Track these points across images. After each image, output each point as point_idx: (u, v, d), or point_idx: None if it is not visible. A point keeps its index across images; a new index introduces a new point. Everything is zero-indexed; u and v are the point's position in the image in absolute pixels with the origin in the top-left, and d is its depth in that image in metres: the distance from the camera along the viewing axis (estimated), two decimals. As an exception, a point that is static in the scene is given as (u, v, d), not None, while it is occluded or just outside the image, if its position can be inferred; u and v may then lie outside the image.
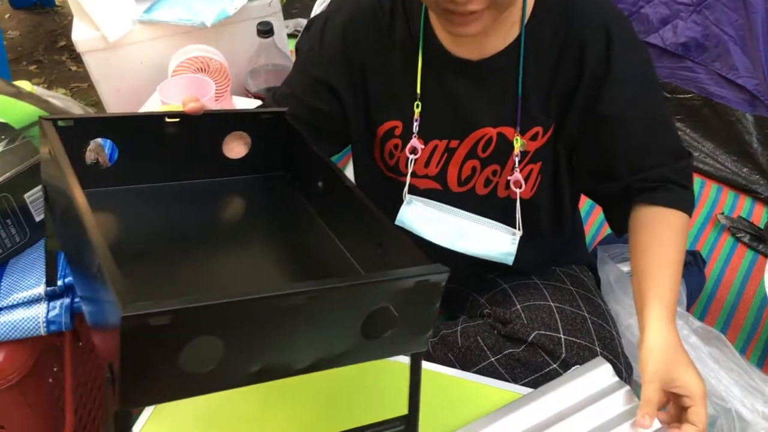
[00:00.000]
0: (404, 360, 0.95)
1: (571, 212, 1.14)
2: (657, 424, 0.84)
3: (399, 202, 1.06)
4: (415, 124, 1.02)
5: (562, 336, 1.02)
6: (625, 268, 1.46)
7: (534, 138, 1.00)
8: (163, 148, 0.88)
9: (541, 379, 1.01)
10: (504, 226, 1.04)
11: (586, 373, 0.90)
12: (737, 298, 1.74)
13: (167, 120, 0.87)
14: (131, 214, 0.86)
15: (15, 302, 1.03)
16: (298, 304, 0.56)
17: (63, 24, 3.05)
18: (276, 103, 1.08)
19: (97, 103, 2.35)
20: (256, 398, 0.89)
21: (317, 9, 1.79)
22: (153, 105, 1.57)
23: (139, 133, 0.86)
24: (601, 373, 0.90)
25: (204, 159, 0.92)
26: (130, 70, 1.71)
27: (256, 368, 0.57)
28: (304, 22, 2.60)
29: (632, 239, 0.98)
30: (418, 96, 1.01)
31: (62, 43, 2.93)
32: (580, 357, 1.01)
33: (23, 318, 1.03)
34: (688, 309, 1.54)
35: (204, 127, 0.90)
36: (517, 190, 1.01)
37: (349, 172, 1.11)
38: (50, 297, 1.05)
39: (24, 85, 1.32)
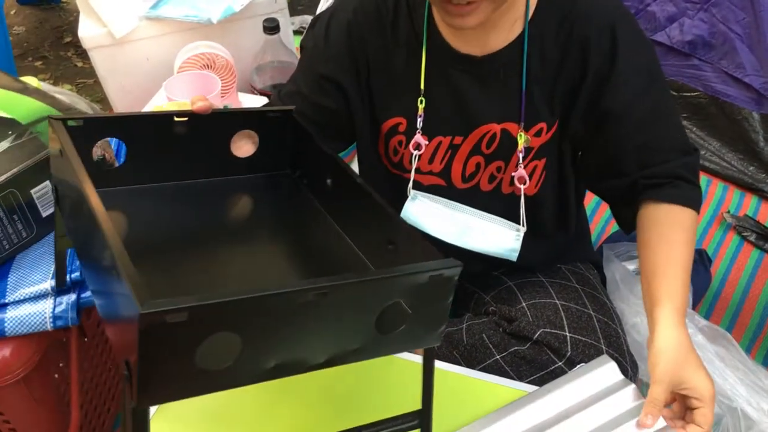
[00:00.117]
0: (408, 357, 0.96)
1: (576, 209, 1.14)
2: (661, 423, 0.83)
3: (404, 198, 1.06)
4: (419, 120, 1.02)
5: (567, 334, 1.02)
6: (630, 266, 1.46)
7: (538, 134, 1.00)
8: (172, 147, 0.89)
9: (547, 377, 1.01)
10: (508, 222, 1.04)
11: (592, 371, 0.90)
12: (743, 297, 1.73)
13: (176, 119, 0.87)
14: (140, 213, 0.86)
15: (22, 297, 1.04)
16: (315, 299, 0.56)
17: (69, 20, 3.05)
18: (281, 102, 1.08)
19: (103, 99, 2.35)
20: (263, 395, 0.89)
21: (322, 6, 1.79)
22: (159, 101, 1.57)
23: (147, 132, 0.87)
24: (606, 371, 0.90)
25: (212, 158, 0.93)
26: (136, 66, 1.71)
27: (272, 364, 0.58)
28: (309, 18, 2.60)
29: (640, 237, 0.97)
30: (422, 92, 1.01)
31: (68, 39, 2.94)
32: (585, 355, 1.01)
33: (30, 313, 1.03)
34: (693, 307, 1.54)
35: (212, 126, 0.90)
36: (522, 186, 1.01)
37: (354, 170, 1.11)
38: (57, 292, 1.05)
39: (30, 81, 1.32)
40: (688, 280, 0.91)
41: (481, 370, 1.04)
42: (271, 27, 1.62)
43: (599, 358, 0.92)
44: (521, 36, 0.95)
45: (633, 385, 0.87)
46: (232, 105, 1.58)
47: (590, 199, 2.01)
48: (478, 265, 1.13)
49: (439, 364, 0.96)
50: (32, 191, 1.06)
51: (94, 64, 1.71)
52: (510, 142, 1.00)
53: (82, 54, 2.79)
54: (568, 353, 1.01)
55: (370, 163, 1.13)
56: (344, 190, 0.84)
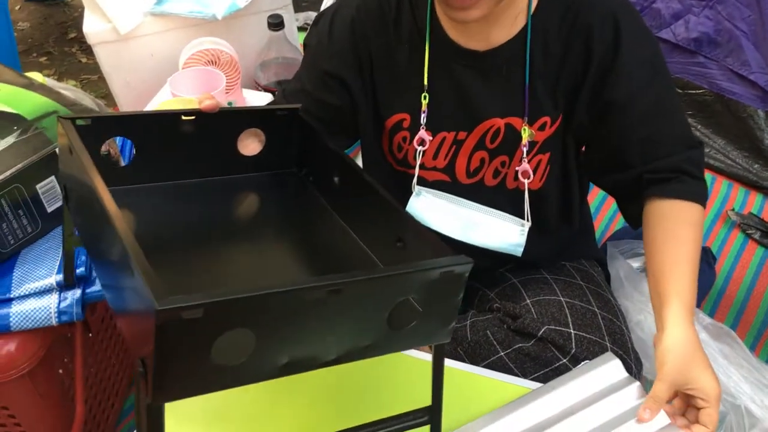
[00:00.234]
0: (414, 354, 0.96)
1: (580, 203, 1.14)
2: (665, 420, 0.83)
3: (408, 194, 1.06)
4: (423, 115, 1.02)
5: (572, 331, 1.02)
6: (635, 263, 1.46)
7: (542, 128, 1.00)
8: (179, 145, 0.89)
9: (551, 374, 1.01)
10: (513, 217, 1.04)
11: (596, 369, 0.90)
12: (747, 295, 1.73)
13: (183, 118, 0.87)
14: (147, 212, 0.86)
15: (27, 292, 1.04)
16: (328, 296, 0.57)
17: (73, 16, 3.05)
18: (286, 99, 1.08)
19: (107, 95, 2.35)
20: (269, 393, 0.89)
21: (326, 3, 1.79)
22: (163, 97, 1.57)
23: (155, 131, 0.87)
24: (610, 369, 0.90)
25: (219, 156, 0.93)
26: (140, 62, 1.71)
27: (285, 360, 0.58)
28: (314, 15, 2.60)
29: (647, 234, 0.97)
30: (426, 88, 1.01)
31: (72, 35, 2.94)
32: (590, 352, 1.00)
33: (35, 308, 1.04)
34: (698, 305, 1.53)
35: (219, 125, 0.90)
36: (525, 181, 1.01)
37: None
38: (62, 288, 1.05)
39: (35, 76, 1.32)
40: (695, 276, 0.91)
41: (485, 366, 1.04)
42: (276, 23, 1.62)
43: (603, 356, 0.92)
44: (524, 30, 0.95)
45: (637, 383, 0.87)
46: (237, 101, 1.58)
47: (594, 197, 2.00)
48: (483, 262, 1.12)
49: (443, 361, 0.96)
50: (37, 186, 1.06)
51: (98, 60, 1.71)
52: (514, 136, 1.00)
53: (87, 50, 2.79)
54: (573, 350, 1.01)
55: (374, 159, 1.13)
56: (351, 187, 0.84)
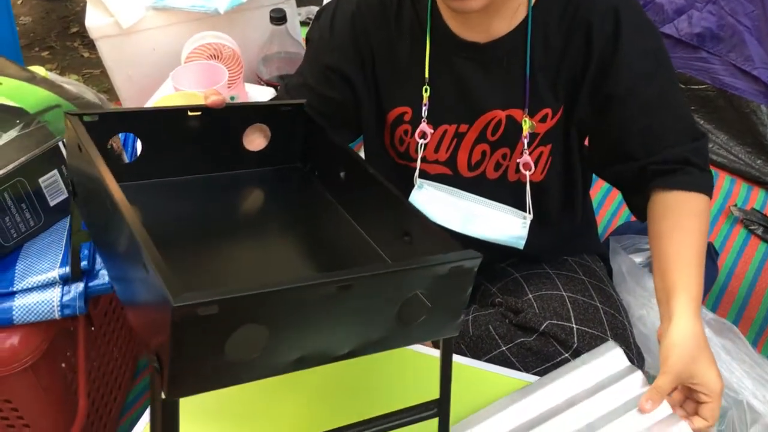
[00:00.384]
0: (418, 348, 0.96)
1: (583, 196, 1.14)
2: (668, 411, 0.83)
3: (410, 188, 1.06)
4: (424, 108, 1.02)
5: (574, 326, 1.02)
6: (637, 259, 1.46)
7: (543, 120, 1.00)
8: (185, 141, 0.89)
9: (553, 369, 1.00)
10: (514, 209, 1.04)
11: (598, 358, 0.89)
12: (750, 291, 1.73)
13: (189, 113, 0.87)
14: (153, 207, 0.87)
15: (30, 286, 1.04)
16: (340, 291, 0.57)
17: (75, 10, 3.05)
18: (288, 94, 1.08)
19: (110, 90, 2.35)
20: (272, 389, 0.89)
21: (329, -3, 1.78)
22: (166, 92, 1.57)
23: (161, 126, 0.88)
24: (612, 358, 0.89)
25: (224, 151, 0.93)
26: (143, 56, 1.71)
27: (297, 355, 0.59)
28: (316, 9, 2.59)
29: (652, 226, 0.96)
30: (427, 81, 1.01)
31: (74, 30, 2.94)
32: (591, 347, 1.00)
33: (38, 301, 1.04)
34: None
35: (225, 120, 0.90)
36: (527, 173, 1.01)
37: (363, 161, 1.11)
38: (64, 281, 1.06)
39: (38, 70, 1.32)
40: (702, 267, 0.90)
41: (487, 361, 1.04)
42: (278, 17, 1.61)
43: (605, 344, 0.92)
44: (524, 22, 0.96)
45: (639, 372, 0.87)
46: (239, 96, 1.58)
47: (597, 192, 2.00)
48: (485, 256, 1.12)
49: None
50: (40, 180, 1.06)
51: (100, 54, 1.71)
52: (515, 128, 1.00)
53: (89, 44, 2.79)
54: (575, 345, 1.01)
55: (375, 153, 1.14)
56: (357, 181, 0.85)
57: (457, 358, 0.96)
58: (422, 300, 0.63)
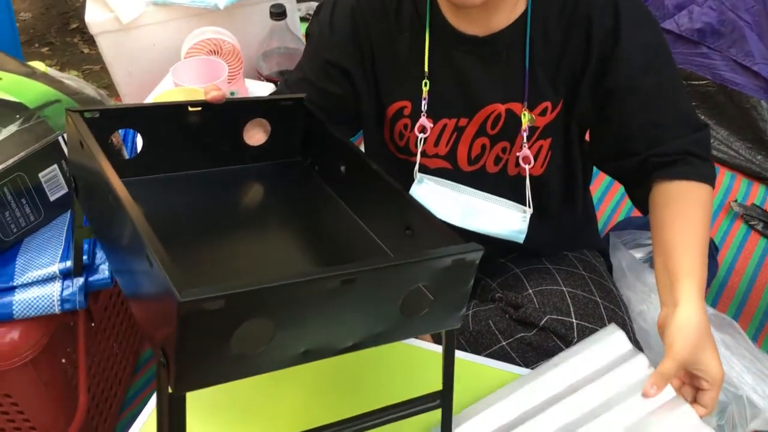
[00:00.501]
0: (412, 342, 0.96)
1: (583, 190, 1.13)
2: (672, 393, 0.83)
3: (410, 182, 1.06)
4: (424, 102, 1.02)
5: (574, 321, 1.02)
6: (637, 254, 1.46)
7: (543, 113, 1.00)
8: (185, 136, 0.89)
9: (553, 364, 1.01)
10: (514, 203, 1.04)
11: (601, 341, 0.89)
12: (750, 286, 1.73)
13: (190, 109, 0.87)
14: (155, 203, 0.87)
15: (30, 280, 1.04)
16: (344, 285, 0.57)
17: (75, 6, 3.05)
18: (289, 89, 1.09)
19: (110, 86, 2.35)
20: (274, 382, 0.89)
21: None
22: (166, 87, 1.57)
23: (162, 122, 0.88)
24: (615, 341, 0.88)
25: (224, 146, 0.93)
26: (142, 52, 1.71)
27: (302, 348, 0.59)
28: (315, 5, 2.59)
29: (654, 216, 0.96)
30: (426, 75, 1.01)
31: (74, 26, 2.94)
32: (592, 342, 1.01)
33: (38, 296, 1.04)
34: (700, 295, 1.53)
35: (225, 116, 0.91)
36: (527, 167, 1.01)
37: (364, 156, 1.11)
38: (64, 276, 1.06)
39: (37, 65, 1.32)
40: (706, 256, 0.89)
41: (487, 356, 1.04)
42: (278, 13, 1.61)
43: (607, 327, 0.91)
44: (524, 15, 0.96)
45: (642, 355, 0.86)
46: (239, 91, 1.57)
47: (597, 188, 2.00)
48: (485, 251, 1.13)
49: (445, 350, 0.96)
50: (40, 175, 1.06)
51: (100, 50, 1.71)
52: (514, 122, 1.00)
53: (89, 40, 2.79)
54: (575, 340, 1.01)
55: (376, 148, 1.14)
56: (358, 175, 0.85)
57: (457, 353, 0.96)
58: (425, 293, 0.63)
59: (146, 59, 1.72)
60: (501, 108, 1.00)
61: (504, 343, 1.07)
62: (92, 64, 2.69)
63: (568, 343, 1.01)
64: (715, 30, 1.95)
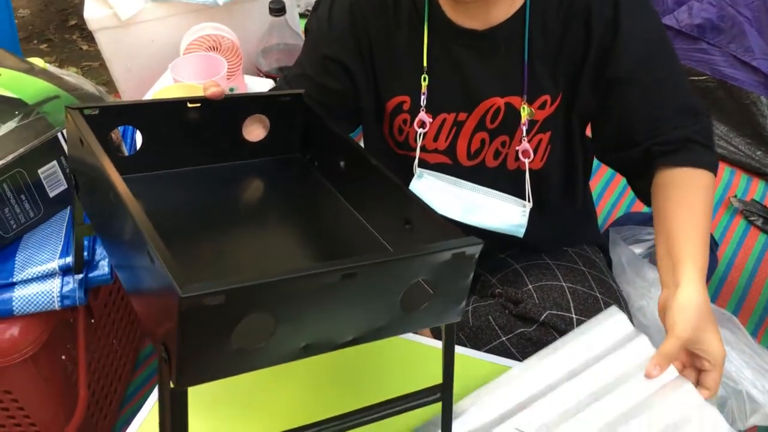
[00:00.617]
0: (415, 338, 0.96)
1: (583, 184, 1.13)
2: (674, 373, 0.82)
3: (410, 177, 1.06)
4: (423, 97, 1.02)
5: (573, 316, 1.02)
6: (637, 250, 1.46)
7: (542, 107, 1.00)
8: (185, 133, 0.89)
9: (553, 359, 1.01)
10: (514, 198, 1.04)
11: (602, 323, 0.88)
12: (749, 281, 1.74)
13: (189, 105, 0.88)
14: (153, 199, 0.87)
15: (29, 277, 1.04)
16: (344, 280, 0.58)
17: (74, 3, 3.04)
18: (288, 85, 1.09)
19: (109, 82, 2.35)
20: (271, 377, 0.89)
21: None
22: (165, 83, 1.57)
23: (161, 119, 0.88)
24: (616, 323, 0.88)
25: (224, 143, 0.93)
26: (141, 48, 1.71)
27: (303, 343, 0.60)
28: (314, 0, 2.59)
29: (656, 202, 0.96)
30: (425, 69, 1.01)
31: (73, 22, 2.93)
32: (591, 337, 1.01)
33: (38, 292, 1.04)
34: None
35: (224, 112, 0.91)
36: (526, 161, 1.01)
37: (363, 151, 1.11)
38: (64, 272, 1.06)
39: (36, 61, 1.32)
40: (707, 241, 0.89)
41: (486, 351, 1.04)
42: (277, 9, 1.61)
43: (608, 309, 0.91)
44: (523, 8, 0.96)
45: (644, 335, 0.86)
46: (238, 87, 1.57)
47: (597, 183, 2.00)
48: (485, 246, 1.13)
49: (444, 345, 0.96)
50: (39, 171, 1.06)
51: (99, 46, 1.71)
52: (514, 115, 1.00)
53: (88, 37, 2.78)
54: (575, 335, 1.01)
55: (375, 143, 1.14)
56: (357, 170, 0.85)
57: (456, 349, 0.96)
58: (425, 287, 0.63)
59: (145, 55, 1.71)
60: (500, 102, 1.00)
61: (504, 338, 1.07)
62: (91, 61, 2.69)
63: (568, 338, 1.01)
64: (714, 26, 1.95)
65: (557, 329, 1.02)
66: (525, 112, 0.99)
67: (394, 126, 1.08)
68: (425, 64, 1.01)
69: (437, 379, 0.71)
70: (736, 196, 1.94)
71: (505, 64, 0.98)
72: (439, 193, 1.05)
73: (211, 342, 0.54)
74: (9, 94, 1.12)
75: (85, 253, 1.07)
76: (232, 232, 0.84)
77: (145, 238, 0.57)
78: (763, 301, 1.68)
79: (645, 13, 0.95)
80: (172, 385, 0.56)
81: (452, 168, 1.07)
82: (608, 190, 1.98)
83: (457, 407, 0.81)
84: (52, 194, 1.09)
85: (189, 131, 0.89)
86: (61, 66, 2.63)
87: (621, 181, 2.00)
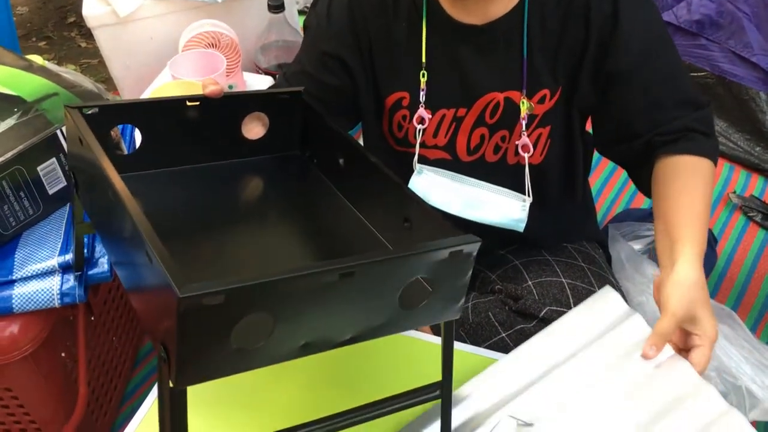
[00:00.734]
0: (415, 335, 0.96)
1: (582, 179, 1.13)
2: (670, 351, 0.83)
3: (410, 174, 1.06)
4: (422, 93, 1.02)
5: (573, 312, 1.02)
6: (636, 246, 1.46)
7: (541, 101, 1.00)
8: (184, 131, 0.89)
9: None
10: (514, 192, 1.04)
11: (597, 303, 0.89)
12: (748, 277, 1.74)
13: (188, 104, 0.88)
14: (154, 198, 0.87)
15: (29, 274, 1.04)
16: (342, 278, 0.58)
17: (72, 0, 3.04)
18: (287, 83, 1.08)
19: (107, 80, 2.35)
20: (270, 375, 0.89)
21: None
22: (163, 81, 1.57)
23: (160, 117, 0.88)
24: (610, 303, 0.88)
25: (223, 140, 0.93)
26: (140, 45, 1.70)
27: (302, 342, 0.60)
28: (314, -2, 2.58)
29: (657, 190, 0.96)
30: (424, 65, 1.01)
31: (72, 20, 2.93)
32: (591, 333, 1.01)
33: (37, 290, 1.04)
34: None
35: (223, 110, 0.91)
36: (526, 155, 1.01)
37: (363, 148, 1.11)
38: (64, 269, 1.06)
39: (35, 59, 1.32)
40: (706, 225, 0.89)
41: (486, 347, 1.05)
42: (276, 6, 1.61)
43: (602, 290, 0.91)
44: (521, 3, 0.96)
45: (638, 314, 0.86)
46: (237, 84, 1.57)
47: (596, 179, 2.00)
48: (485, 243, 1.12)
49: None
50: (38, 168, 1.06)
51: (98, 43, 1.71)
52: (513, 110, 1.00)
53: (86, 34, 2.78)
54: (574, 331, 1.01)
55: (374, 140, 1.14)
56: (357, 168, 0.85)
57: (456, 345, 0.96)
58: (423, 285, 0.64)
59: (144, 53, 1.71)
60: (499, 96, 1.00)
61: (504, 334, 1.07)
62: (90, 58, 2.68)
63: (568, 334, 1.01)
64: (713, 21, 1.94)
65: (557, 325, 1.02)
66: (524, 107, 0.99)
67: (394, 122, 1.08)
68: (424, 60, 1.01)
69: (437, 375, 0.71)
70: (735, 192, 1.94)
71: (504, 59, 0.98)
72: (439, 188, 1.05)
73: (210, 342, 0.54)
74: (8, 91, 1.11)
75: (85, 251, 1.07)
76: (231, 229, 0.84)
77: (144, 238, 0.57)
78: (762, 296, 1.69)
79: (644, 8, 0.96)
80: (171, 385, 0.56)
81: (452, 163, 1.07)
82: (607, 186, 1.98)
83: (455, 394, 0.81)
84: (51, 191, 1.09)
85: (188, 129, 0.89)
86: (59, 63, 2.63)
87: (620, 177, 2.00)
